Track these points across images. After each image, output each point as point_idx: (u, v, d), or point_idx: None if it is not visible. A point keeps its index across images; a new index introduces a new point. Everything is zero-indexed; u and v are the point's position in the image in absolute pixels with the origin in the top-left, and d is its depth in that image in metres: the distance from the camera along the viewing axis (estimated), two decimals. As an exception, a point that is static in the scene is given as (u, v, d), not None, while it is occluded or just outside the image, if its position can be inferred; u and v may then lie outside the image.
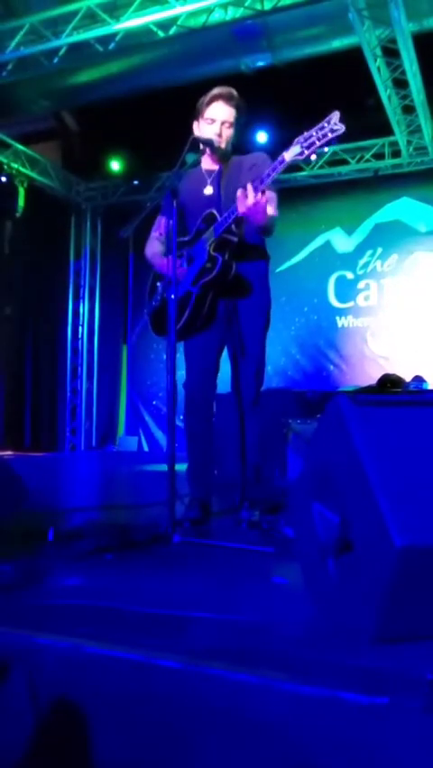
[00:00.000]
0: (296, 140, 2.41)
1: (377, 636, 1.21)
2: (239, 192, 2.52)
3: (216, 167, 2.88)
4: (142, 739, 1.14)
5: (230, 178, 2.82)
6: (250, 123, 2.89)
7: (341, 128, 2.30)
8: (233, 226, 2.68)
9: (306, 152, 2.37)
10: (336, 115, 2.32)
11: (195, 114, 2.86)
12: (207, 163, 2.89)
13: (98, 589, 1.74)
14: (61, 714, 1.18)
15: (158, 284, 2.99)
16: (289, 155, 2.42)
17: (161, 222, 3.01)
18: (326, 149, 2.42)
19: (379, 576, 1.18)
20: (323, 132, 2.33)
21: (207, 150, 2.79)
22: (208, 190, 2.82)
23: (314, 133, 2.35)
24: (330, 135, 2.32)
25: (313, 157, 2.40)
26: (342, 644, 1.25)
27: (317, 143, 2.35)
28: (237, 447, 2.88)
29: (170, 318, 2.52)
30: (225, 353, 2.93)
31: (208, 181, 2.84)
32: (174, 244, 2.55)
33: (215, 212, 2.74)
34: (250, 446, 2.85)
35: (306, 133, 2.38)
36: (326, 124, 2.33)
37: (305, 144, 2.37)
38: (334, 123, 2.32)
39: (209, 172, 2.87)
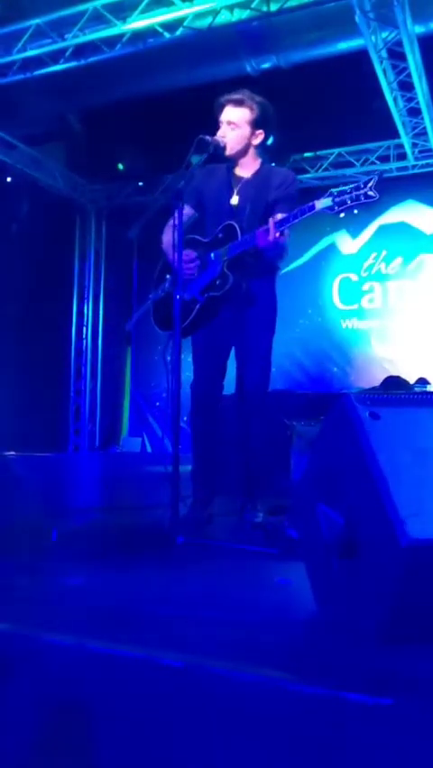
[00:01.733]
0: (330, 192, 2.48)
1: (382, 637, 1.20)
2: (262, 228, 2.61)
3: (244, 174, 2.89)
4: (145, 738, 1.14)
5: (257, 189, 2.84)
6: (275, 120, 2.90)
7: (375, 196, 2.40)
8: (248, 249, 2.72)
9: (336, 208, 2.45)
10: (375, 179, 2.42)
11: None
12: (239, 168, 2.91)
13: (102, 589, 1.74)
14: (65, 712, 1.18)
15: (167, 276, 3.00)
16: (319, 205, 2.49)
17: (183, 210, 3.02)
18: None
19: (384, 576, 1.17)
20: (357, 193, 2.42)
21: (223, 153, 2.81)
22: (234, 201, 2.86)
23: (348, 191, 2.43)
24: (363, 199, 2.42)
25: (342, 215, 2.51)
26: (347, 644, 1.25)
27: (349, 203, 2.43)
28: (241, 449, 2.89)
29: (176, 320, 2.53)
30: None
31: (235, 191, 2.86)
32: (180, 250, 2.57)
33: (235, 226, 2.77)
34: (254, 448, 2.86)
35: (341, 189, 2.45)
36: (362, 186, 2.41)
37: (337, 200, 2.44)
38: (369, 187, 2.41)
39: (238, 179, 2.89)
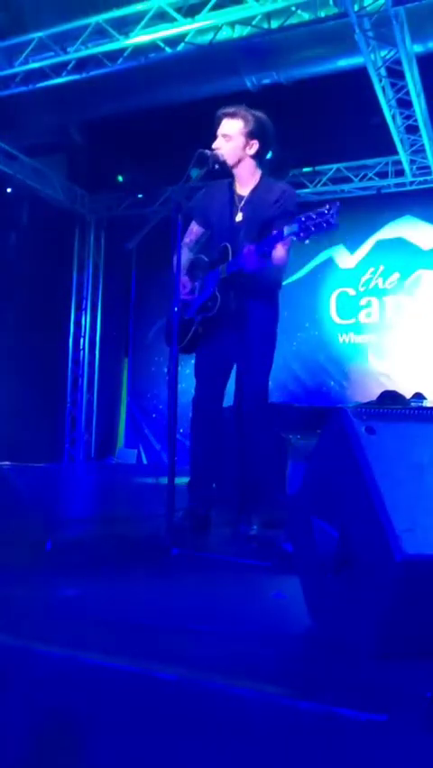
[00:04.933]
0: (298, 218, 2.49)
1: (376, 652, 1.20)
2: (245, 251, 2.65)
3: (244, 189, 2.92)
4: (139, 752, 1.13)
5: (256, 206, 2.87)
6: (273, 134, 2.94)
7: (335, 226, 2.41)
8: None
9: (301, 235, 2.46)
10: (335, 207, 2.42)
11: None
12: (238, 186, 2.94)
13: (96, 601, 1.73)
14: (57, 726, 1.17)
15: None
16: (287, 230, 2.53)
17: (191, 229, 3.05)
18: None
19: (379, 591, 1.17)
20: (322, 219, 2.42)
21: (217, 166, 2.83)
22: (239, 217, 2.89)
23: (313, 217, 2.43)
24: (324, 227, 2.42)
25: (307, 241, 2.52)
26: (341, 659, 1.24)
27: (312, 229, 2.44)
28: (238, 461, 2.89)
29: (173, 332, 2.54)
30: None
31: (239, 207, 2.90)
32: (179, 260, 2.58)
33: (228, 247, 2.81)
34: (250, 461, 2.86)
35: (307, 214, 2.46)
36: (325, 212, 2.41)
37: (303, 225, 2.45)
38: (332, 214, 2.41)
39: (240, 196, 2.92)
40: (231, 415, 2.94)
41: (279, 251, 2.72)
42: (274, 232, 2.67)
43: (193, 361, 3.02)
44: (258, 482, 2.91)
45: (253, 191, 2.90)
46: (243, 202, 2.90)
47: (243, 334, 2.85)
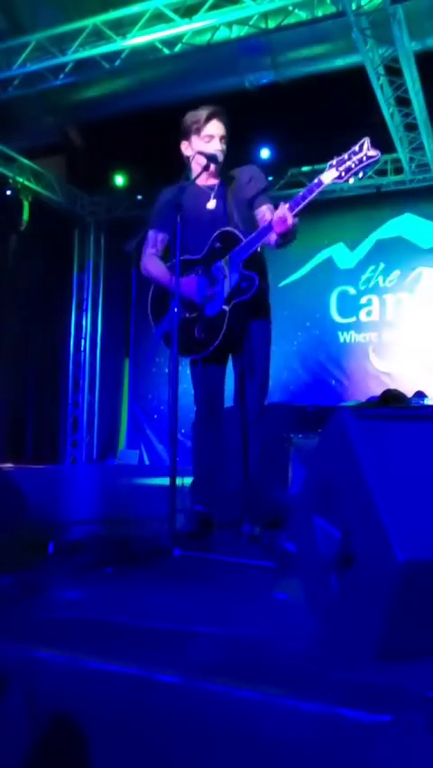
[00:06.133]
0: (330, 163, 2.46)
1: (379, 653, 1.20)
2: (275, 215, 2.56)
3: (214, 181, 2.89)
4: (141, 755, 1.13)
5: (233, 191, 2.84)
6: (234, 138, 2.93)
7: (377, 155, 2.36)
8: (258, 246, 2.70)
9: (344, 176, 2.42)
10: (367, 141, 2.37)
11: (185, 132, 2.87)
12: (204, 179, 2.88)
13: (98, 603, 1.72)
14: (59, 729, 1.17)
15: (169, 304, 2.96)
16: (326, 178, 2.46)
17: (156, 238, 2.95)
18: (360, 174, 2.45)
19: (381, 591, 1.17)
20: (358, 156, 2.38)
21: (211, 165, 2.80)
22: (211, 204, 2.82)
23: (347, 157, 2.40)
24: (366, 161, 2.38)
25: (351, 180, 2.46)
26: (344, 660, 1.24)
27: (354, 167, 2.40)
28: (240, 461, 2.89)
29: (173, 332, 2.53)
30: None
31: (211, 195, 2.84)
32: (177, 260, 2.57)
33: (234, 231, 2.74)
34: (252, 460, 2.86)
35: (339, 158, 2.42)
36: (358, 149, 2.38)
37: (342, 168, 2.42)
38: (367, 148, 2.37)
39: (210, 188, 2.88)
40: (232, 415, 2.93)
41: (293, 221, 2.59)
42: (264, 206, 2.64)
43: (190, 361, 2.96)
44: (260, 483, 2.90)
45: (222, 181, 2.86)
46: (215, 191, 2.83)
47: (251, 327, 2.81)
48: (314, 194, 2.51)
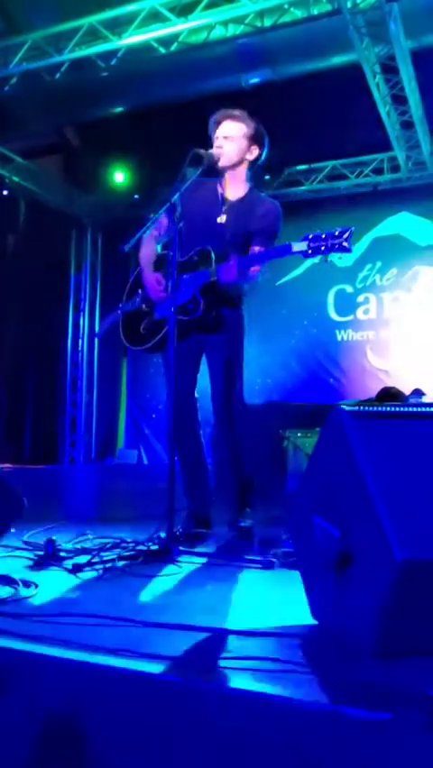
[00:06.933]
0: (306, 236, 2.48)
1: (378, 650, 1.20)
2: (226, 264, 2.65)
3: (232, 195, 2.89)
4: (141, 753, 1.13)
5: (242, 214, 2.84)
6: (265, 142, 2.92)
7: (349, 250, 2.39)
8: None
9: (309, 252, 2.45)
10: (350, 231, 2.40)
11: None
12: (224, 187, 2.90)
13: (96, 603, 1.72)
14: (60, 727, 1.17)
15: (138, 290, 3.03)
16: (296, 247, 2.50)
17: (162, 223, 2.93)
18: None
19: (380, 589, 1.17)
20: (333, 241, 2.41)
21: (216, 164, 2.81)
22: (222, 219, 2.86)
23: (324, 237, 2.42)
24: (336, 249, 2.41)
25: (317, 259, 2.50)
26: (343, 658, 1.24)
27: (323, 249, 2.43)
28: (233, 461, 2.91)
29: (171, 334, 2.54)
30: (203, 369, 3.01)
31: (223, 210, 2.86)
32: (174, 261, 2.57)
33: (211, 253, 2.75)
34: (234, 457, 2.89)
35: (317, 234, 2.45)
36: (337, 235, 2.40)
37: (313, 245, 2.44)
38: (346, 238, 2.39)
39: (226, 200, 2.89)
40: (216, 419, 2.94)
41: (255, 269, 2.73)
42: (256, 249, 2.71)
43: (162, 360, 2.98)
44: (252, 480, 2.93)
45: (242, 199, 2.88)
46: (228, 205, 2.86)
47: (217, 341, 2.87)
48: (275, 258, 2.63)
